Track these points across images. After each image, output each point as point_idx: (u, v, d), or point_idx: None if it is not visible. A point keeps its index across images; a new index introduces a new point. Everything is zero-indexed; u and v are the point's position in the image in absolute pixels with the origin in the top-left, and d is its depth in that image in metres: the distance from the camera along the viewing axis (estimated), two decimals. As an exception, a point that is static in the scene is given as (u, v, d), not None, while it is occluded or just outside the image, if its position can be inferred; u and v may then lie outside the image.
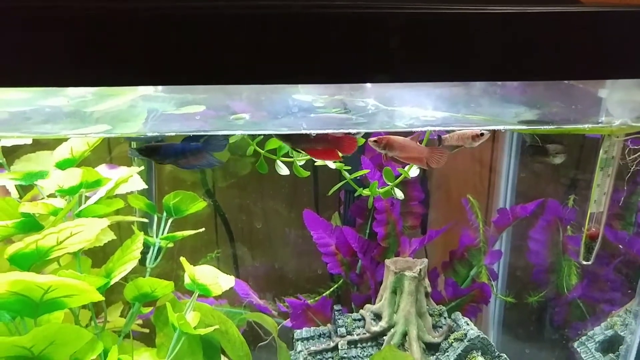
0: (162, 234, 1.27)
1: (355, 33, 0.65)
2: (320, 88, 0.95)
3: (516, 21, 0.68)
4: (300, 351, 1.35)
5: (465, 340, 1.32)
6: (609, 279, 1.60)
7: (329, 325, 1.44)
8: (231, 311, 1.54)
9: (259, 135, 1.22)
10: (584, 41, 0.70)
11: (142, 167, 1.26)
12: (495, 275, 1.70)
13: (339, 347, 1.34)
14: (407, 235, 1.58)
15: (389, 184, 1.37)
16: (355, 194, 1.44)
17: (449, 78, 0.73)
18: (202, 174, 1.67)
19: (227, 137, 1.02)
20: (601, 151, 1.11)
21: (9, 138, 1.12)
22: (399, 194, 1.38)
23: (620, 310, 1.47)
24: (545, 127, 1.08)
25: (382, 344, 1.35)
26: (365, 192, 1.41)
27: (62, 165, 1.15)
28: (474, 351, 1.32)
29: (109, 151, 1.40)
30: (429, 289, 1.41)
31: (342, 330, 1.37)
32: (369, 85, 0.90)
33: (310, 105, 0.95)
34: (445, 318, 1.41)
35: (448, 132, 1.05)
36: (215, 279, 1.18)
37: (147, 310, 1.21)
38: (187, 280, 1.17)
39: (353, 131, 0.98)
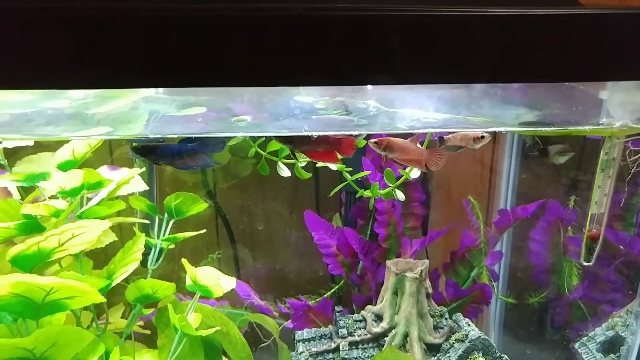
0: (164, 236, 1.27)
1: (356, 35, 0.65)
2: (321, 90, 0.95)
3: (516, 23, 0.68)
4: (302, 352, 1.35)
5: (466, 341, 1.33)
6: (610, 279, 1.60)
7: (330, 326, 1.44)
8: (232, 312, 1.54)
9: (261, 137, 1.22)
10: (584, 43, 0.70)
11: (144, 169, 1.26)
12: (496, 276, 1.70)
13: (340, 348, 1.34)
14: (408, 236, 1.58)
15: (390, 185, 1.37)
16: (357, 196, 1.44)
17: (449, 80, 0.73)
18: (203, 175, 1.67)
19: (223, 138, 1.02)
20: (602, 153, 1.11)
21: (11, 140, 1.12)
22: (400, 195, 1.38)
23: (621, 311, 1.47)
24: (546, 128, 1.08)
25: (383, 345, 1.35)
26: (367, 193, 1.42)
27: (64, 166, 1.15)
28: (475, 352, 1.32)
29: (110, 153, 1.41)
30: (430, 290, 1.41)
31: (344, 331, 1.37)
32: (370, 87, 0.90)
33: (312, 107, 0.95)
34: (446, 319, 1.41)
35: (449, 134, 1.05)
36: (216, 280, 1.18)
37: (148, 311, 1.21)
38: (188, 282, 1.17)
39: (354, 133, 0.98)
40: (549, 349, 1.74)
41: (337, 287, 1.63)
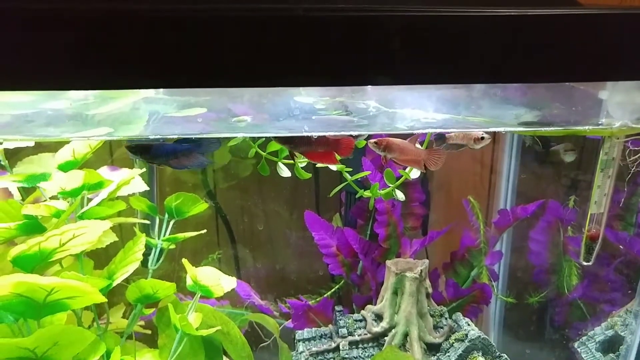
0: (164, 236, 1.27)
1: (356, 35, 0.65)
2: (321, 90, 0.95)
3: (517, 23, 0.68)
4: (302, 352, 1.35)
5: (466, 341, 1.33)
6: (610, 279, 1.60)
7: (330, 326, 1.44)
8: (233, 312, 1.54)
9: (261, 137, 1.22)
10: (584, 43, 0.70)
11: (144, 169, 1.26)
12: (496, 276, 1.70)
13: (341, 347, 1.34)
14: (408, 236, 1.58)
15: (390, 185, 1.37)
16: (357, 196, 1.45)
17: (449, 80, 0.73)
18: (204, 175, 1.67)
19: (219, 138, 1.03)
20: (601, 152, 1.12)
21: (12, 141, 1.12)
22: (400, 195, 1.38)
23: (621, 311, 1.47)
24: (545, 128, 1.08)
25: (383, 345, 1.36)
26: (366, 193, 1.42)
27: (64, 167, 1.16)
28: (475, 351, 1.32)
29: (110, 153, 1.41)
30: (430, 290, 1.41)
31: (344, 330, 1.38)
32: (369, 87, 0.90)
33: (312, 107, 0.95)
34: (446, 319, 1.41)
35: (442, 137, 1.05)
36: (217, 280, 1.18)
37: (149, 311, 1.21)
38: (189, 282, 1.17)
39: (354, 133, 0.98)
40: (548, 348, 1.75)
41: (337, 286, 1.63)
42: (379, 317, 1.40)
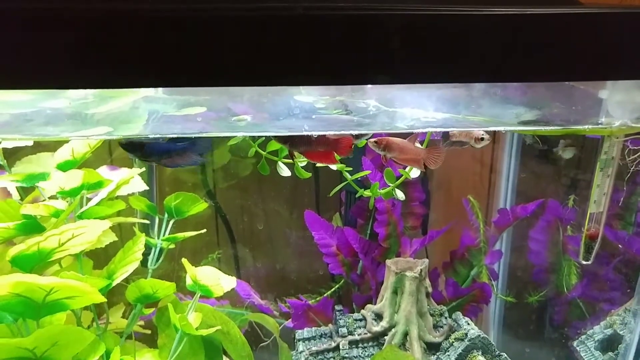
0: (164, 235, 1.27)
1: (356, 34, 0.65)
2: (321, 89, 0.95)
3: (516, 22, 0.68)
4: (302, 351, 1.35)
5: (465, 340, 1.33)
6: (609, 278, 1.60)
7: (330, 325, 1.44)
8: (233, 312, 1.54)
9: (261, 136, 1.22)
10: (584, 42, 0.70)
11: (143, 169, 1.26)
12: (496, 275, 1.70)
13: (340, 347, 1.34)
14: (408, 235, 1.58)
15: (390, 184, 1.37)
16: (357, 195, 1.45)
17: (449, 79, 0.73)
18: (203, 175, 1.67)
19: (211, 138, 1.03)
20: (601, 152, 1.12)
21: (10, 140, 1.12)
22: (400, 194, 1.38)
23: (620, 309, 1.47)
24: (545, 127, 1.08)
25: (383, 344, 1.36)
26: (366, 193, 1.42)
27: (63, 166, 1.15)
28: (475, 350, 1.32)
29: (109, 152, 1.40)
30: (430, 289, 1.41)
31: (344, 330, 1.38)
32: (369, 86, 0.90)
33: (312, 106, 0.95)
34: (446, 318, 1.41)
35: (446, 134, 1.05)
36: (216, 280, 1.18)
37: (149, 311, 1.21)
38: (188, 282, 1.17)
39: (354, 132, 0.98)
40: (548, 347, 1.75)
41: (337, 286, 1.63)
42: (378, 317, 1.40)
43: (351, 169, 1.34)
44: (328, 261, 1.57)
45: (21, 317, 0.95)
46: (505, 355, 1.34)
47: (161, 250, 1.26)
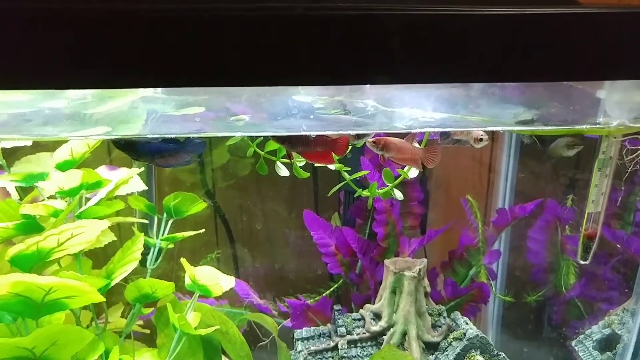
0: (163, 235, 1.27)
1: (355, 34, 0.65)
2: (320, 89, 0.95)
3: (516, 22, 0.68)
4: (301, 351, 1.35)
5: (464, 340, 1.33)
6: (607, 278, 1.61)
7: (329, 325, 1.44)
8: (232, 311, 1.54)
9: (259, 136, 1.22)
10: (583, 42, 0.70)
11: (142, 169, 1.26)
12: (494, 275, 1.70)
13: (339, 346, 1.34)
14: (407, 235, 1.58)
15: (389, 184, 1.37)
16: (355, 195, 1.45)
17: (448, 79, 0.73)
18: (202, 174, 1.67)
19: (204, 139, 1.03)
20: (599, 152, 1.12)
21: (9, 140, 1.12)
22: (398, 194, 1.39)
23: (618, 309, 1.47)
24: (543, 127, 1.08)
25: (381, 344, 1.36)
26: (365, 193, 1.42)
27: (62, 166, 1.15)
28: (473, 350, 1.32)
29: (108, 152, 1.40)
30: (428, 289, 1.41)
31: (342, 330, 1.38)
32: (368, 86, 0.90)
33: (310, 106, 0.95)
34: (444, 317, 1.41)
35: (447, 133, 1.05)
36: (215, 279, 1.18)
37: (147, 311, 1.21)
38: (187, 281, 1.17)
39: (353, 133, 0.98)
40: (546, 346, 1.75)
41: (335, 286, 1.64)
42: (377, 316, 1.40)
43: (350, 168, 1.34)
44: (327, 261, 1.57)
45: (20, 317, 0.95)
46: (504, 355, 1.34)
47: (160, 250, 1.26)
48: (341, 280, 1.63)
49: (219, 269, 1.22)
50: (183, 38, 0.63)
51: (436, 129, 1.05)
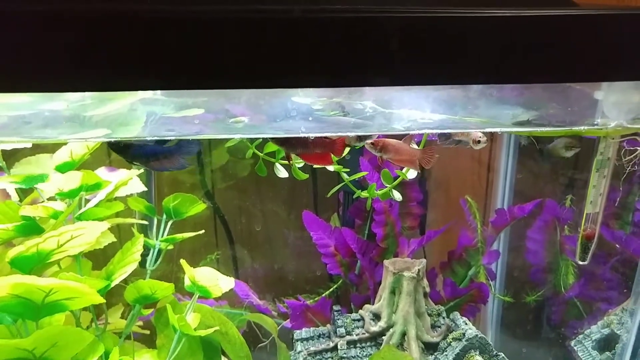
0: (162, 236, 1.27)
1: (354, 36, 0.66)
2: (318, 91, 0.95)
3: (514, 24, 0.68)
4: (300, 351, 1.35)
5: (463, 340, 1.33)
6: (606, 278, 1.61)
7: (328, 325, 1.44)
8: (231, 312, 1.55)
9: (258, 138, 1.22)
10: (582, 43, 0.70)
11: (142, 170, 1.26)
12: (494, 275, 1.70)
13: (339, 347, 1.34)
14: (406, 235, 1.59)
15: (387, 185, 1.38)
16: (354, 196, 1.45)
17: (448, 81, 0.73)
18: (202, 176, 1.67)
19: (199, 141, 1.03)
20: (597, 152, 1.12)
21: (9, 142, 1.12)
22: (397, 195, 1.39)
23: (617, 309, 1.48)
24: (542, 128, 1.09)
25: (381, 344, 1.36)
26: (364, 193, 1.42)
27: (62, 168, 1.15)
28: (472, 350, 1.33)
29: (108, 154, 1.40)
30: (428, 289, 1.42)
31: (342, 330, 1.38)
32: (366, 87, 0.90)
33: (309, 108, 0.96)
34: (443, 318, 1.42)
35: (445, 134, 1.06)
36: (215, 280, 1.19)
37: (147, 312, 1.21)
38: (187, 282, 1.17)
39: (352, 134, 0.98)
40: (545, 347, 1.75)
41: (335, 286, 1.64)
42: (376, 317, 1.40)
43: (349, 169, 1.34)
44: (326, 261, 1.57)
45: (20, 318, 0.95)
46: (503, 355, 1.34)
47: (160, 251, 1.27)
48: (340, 281, 1.63)
49: (218, 270, 1.22)
50: (183, 39, 0.63)
51: (435, 131, 1.05)
